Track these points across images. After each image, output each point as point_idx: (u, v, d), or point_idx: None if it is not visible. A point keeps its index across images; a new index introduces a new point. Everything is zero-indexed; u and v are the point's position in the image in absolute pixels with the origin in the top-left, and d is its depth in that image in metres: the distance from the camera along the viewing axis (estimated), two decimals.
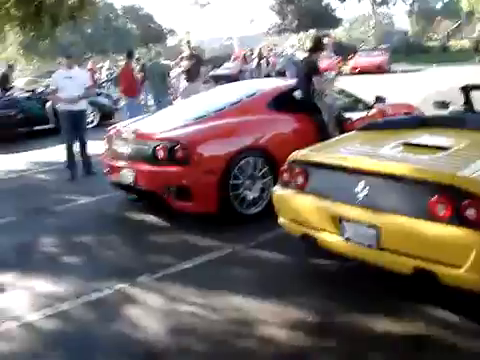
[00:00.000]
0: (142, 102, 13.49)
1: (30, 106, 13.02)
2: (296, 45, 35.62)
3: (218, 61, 34.86)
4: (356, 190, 3.39)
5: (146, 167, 5.23)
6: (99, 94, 16.04)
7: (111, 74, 22.72)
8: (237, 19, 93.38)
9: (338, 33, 43.95)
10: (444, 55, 32.59)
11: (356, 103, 6.60)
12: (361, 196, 3.37)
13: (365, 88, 12.76)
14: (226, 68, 30.52)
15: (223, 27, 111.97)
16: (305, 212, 3.77)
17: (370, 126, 4.53)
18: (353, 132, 4.51)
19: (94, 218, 5.87)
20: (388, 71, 26.72)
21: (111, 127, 6.38)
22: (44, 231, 5.52)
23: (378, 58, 27.51)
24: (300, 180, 3.85)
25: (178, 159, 4.95)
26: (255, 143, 5.29)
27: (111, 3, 41.24)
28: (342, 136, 4.61)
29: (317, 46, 6.41)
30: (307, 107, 5.88)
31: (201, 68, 10.88)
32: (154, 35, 44.89)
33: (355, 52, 31.20)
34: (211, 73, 29.53)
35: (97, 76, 23.54)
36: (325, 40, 33.68)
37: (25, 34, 10.17)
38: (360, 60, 27.52)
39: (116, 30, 37.74)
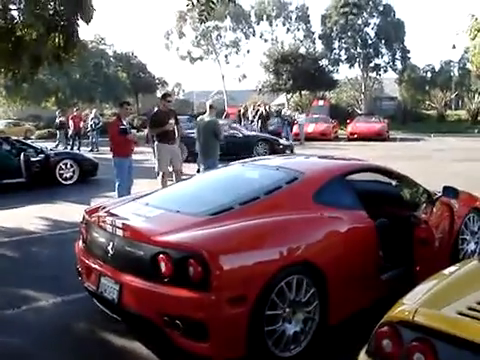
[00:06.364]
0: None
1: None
2: (286, 105, 34.59)
3: None
4: None
5: (138, 282, 3.45)
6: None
7: (96, 124, 21.18)
8: (227, 74, 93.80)
9: (331, 96, 43.19)
10: (441, 125, 31.80)
11: (419, 194, 4.98)
12: None
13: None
14: None
15: (213, 81, 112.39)
16: None
17: None
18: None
19: (52, 342, 3.99)
20: (387, 139, 25.59)
21: (93, 206, 4.63)
22: None
23: (377, 125, 26.33)
24: None
25: (191, 279, 3.20)
26: (301, 255, 3.56)
27: (103, 49, 40.03)
28: (467, 267, 2.79)
29: None
30: (373, 202, 4.32)
31: (178, 126, 8.97)
32: (144, 85, 43.54)
33: (352, 117, 30.14)
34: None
35: (82, 124, 22.09)
36: (320, 102, 32.71)
37: (3, 73, 8.55)
38: (359, 125, 26.22)
39: (106, 78, 36.37)
